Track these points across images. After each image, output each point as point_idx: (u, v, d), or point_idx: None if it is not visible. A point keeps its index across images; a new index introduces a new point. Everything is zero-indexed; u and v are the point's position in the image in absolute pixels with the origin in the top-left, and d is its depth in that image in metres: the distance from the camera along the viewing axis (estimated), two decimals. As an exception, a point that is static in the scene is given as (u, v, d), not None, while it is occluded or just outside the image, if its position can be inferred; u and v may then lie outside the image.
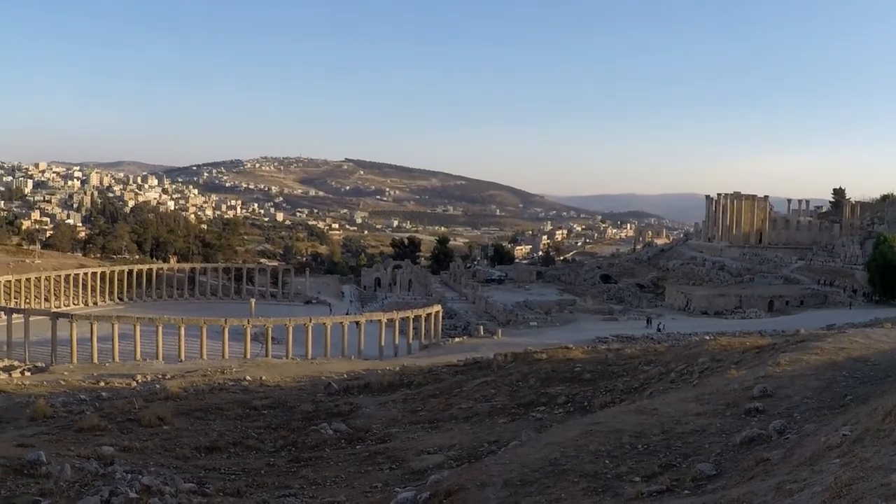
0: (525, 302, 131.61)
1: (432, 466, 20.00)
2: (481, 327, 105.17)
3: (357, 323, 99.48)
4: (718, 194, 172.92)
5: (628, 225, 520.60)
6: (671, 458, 14.24)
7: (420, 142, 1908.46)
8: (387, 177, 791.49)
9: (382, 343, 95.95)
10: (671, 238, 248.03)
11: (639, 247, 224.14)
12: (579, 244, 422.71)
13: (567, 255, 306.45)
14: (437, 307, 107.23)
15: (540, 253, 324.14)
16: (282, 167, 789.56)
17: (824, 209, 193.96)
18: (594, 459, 13.95)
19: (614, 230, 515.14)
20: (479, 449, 21.62)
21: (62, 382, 53.35)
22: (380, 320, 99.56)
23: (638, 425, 16.47)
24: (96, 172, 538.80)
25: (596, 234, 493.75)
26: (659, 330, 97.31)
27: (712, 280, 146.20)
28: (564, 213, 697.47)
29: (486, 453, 20.44)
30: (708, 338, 44.27)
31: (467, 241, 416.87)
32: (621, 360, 33.32)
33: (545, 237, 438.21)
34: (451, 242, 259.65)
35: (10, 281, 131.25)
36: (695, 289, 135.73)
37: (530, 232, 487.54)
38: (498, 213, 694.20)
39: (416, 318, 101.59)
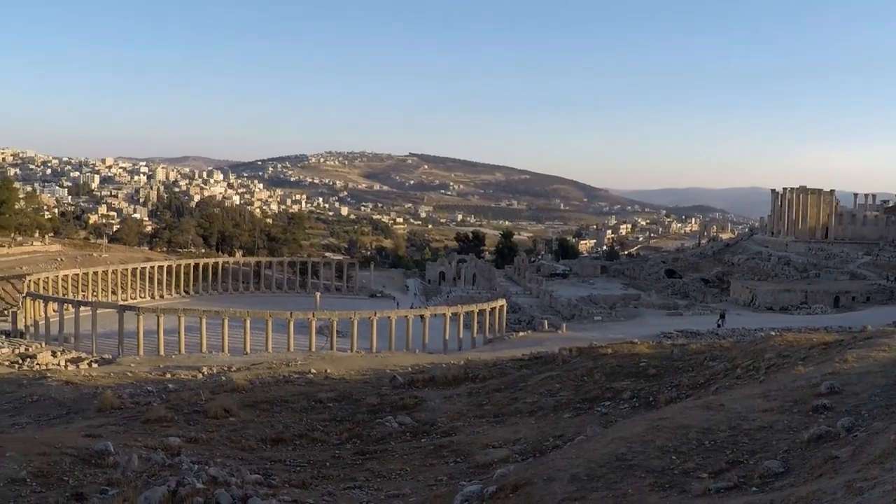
0: (589, 296, 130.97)
1: (497, 460, 20.00)
2: (545, 322, 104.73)
3: (422, 317, 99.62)
4: (784, 188, 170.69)
5: (693, 219, 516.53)
6: (738, 455, 14.17)
7: (484, 136, 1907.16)
8: (451, 171, 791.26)
9: (447, 337, 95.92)
10: (736, 233, 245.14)
11: (703, 241, 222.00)
12: (640, 239, 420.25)
13: (631, 250, 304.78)
14: (502, 301, 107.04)
15: (604, 247, 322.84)
16: (346, 162, 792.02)
17: (891, 203, 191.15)
18: (661, 455, 13.89)
19: (679, 224, 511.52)
20: (544, 443, 21.60)
21: (129, 374, 53.85)
22: (444, 314, 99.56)
23: (704, 421, 16.39)
24: (162, 168, 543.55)
25: (660, 229, 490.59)
26: (719, 325, 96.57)
27: (777, 275, 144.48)
28: (629, 208, 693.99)
29: (551, 448, 20.40)
30: (774, 333, 43.89)
31: (531, 235, 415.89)
32: (686, 356, 33.13)
33: (609, 231, 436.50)
34: (515, 237, 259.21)
35: (77, 274, 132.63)
36: (760, 284, 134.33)
37: (594, 226, 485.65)
38: (562, 207, 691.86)
39: (481, 313, 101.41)
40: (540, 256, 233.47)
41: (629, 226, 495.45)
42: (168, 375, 51.63)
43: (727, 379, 27.08)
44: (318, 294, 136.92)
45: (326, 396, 33.85)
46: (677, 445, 14.51)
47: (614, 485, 12.39)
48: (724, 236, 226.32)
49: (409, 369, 46.05)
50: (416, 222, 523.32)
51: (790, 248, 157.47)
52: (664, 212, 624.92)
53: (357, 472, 20.63)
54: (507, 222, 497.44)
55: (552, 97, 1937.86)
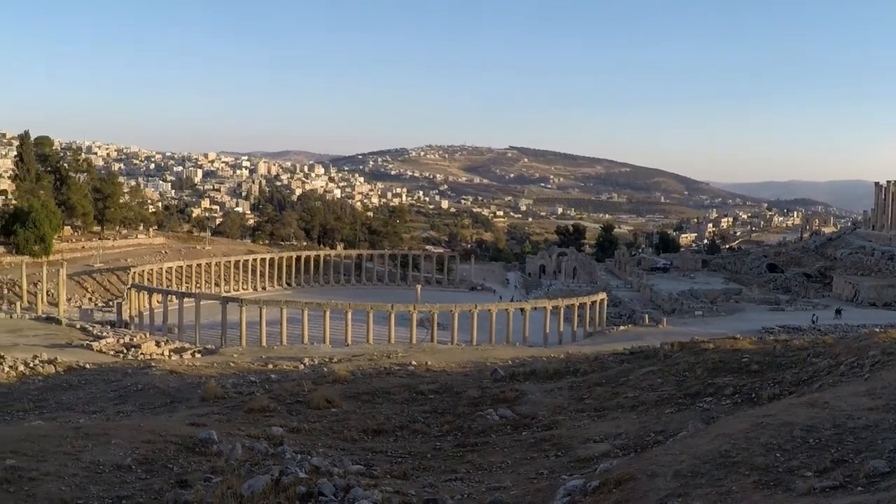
0: (690, 291, 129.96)
1: (598, 455, 19.94)
2: (646, 316, 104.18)
3: (522, 310, 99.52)
4: (888, 181, 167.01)
5: (794, 213, 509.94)
6: (843, 454, 13.98)
7: (584, 129, 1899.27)
8: (551, 164, 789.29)
9: (547, 330, 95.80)
10: (838, 226, 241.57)
11: (805, 235, 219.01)
12: (739, 233, 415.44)
13: (732, 244, 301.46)
14: (602, 295, 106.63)
15: (705, 241, 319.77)
16: (446, 155, 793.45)
17: None
18: (765, 452, 13.75)
19: (780, 218, 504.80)
20: (646, 438, 21.48)
21: (232, 364, 54.48)
22: (545, 307, 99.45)
23: (809, 419, 16.19)
24: (264, 162, 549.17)
25: (762, 222, 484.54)
26: (813, 322, 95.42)
27: (881, 270, 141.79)
28: (730, 201, 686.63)
29: (652, 443, 20.30)
30: (878, 330, 43.23)
31: (632, 228, 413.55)
32: (789, 352, 32.70)
33: (710, 225, 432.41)
34: (615, 230, 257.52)
35: (181, 267, 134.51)
36: (863, 279, 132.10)
37: (695, 219, 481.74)
38: (662, 200, 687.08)
39: (581, 306, 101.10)
40: (640, 250, 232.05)
41: (730, 219, 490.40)
42: (270, 366, 52.13)
43: (831, 376, 26.70)
44: (418, 287, 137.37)
45: (427, 388, 33.98)
46: (781, 443, 14.35)
47: (718, 482, 12.30)
48: (827, 230, 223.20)
49: (510, 362, 46.06)
50: (516, 215, 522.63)
51: (894, 243, 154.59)
52: (765, 205, 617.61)
53: (458, 465, 20.69)
54: (607, 215, 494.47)
55: (653, 89, 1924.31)
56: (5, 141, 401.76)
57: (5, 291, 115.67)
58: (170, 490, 16.00)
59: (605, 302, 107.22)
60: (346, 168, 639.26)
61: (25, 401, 38.34)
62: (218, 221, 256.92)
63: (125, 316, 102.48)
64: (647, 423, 23.89)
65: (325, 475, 16.43)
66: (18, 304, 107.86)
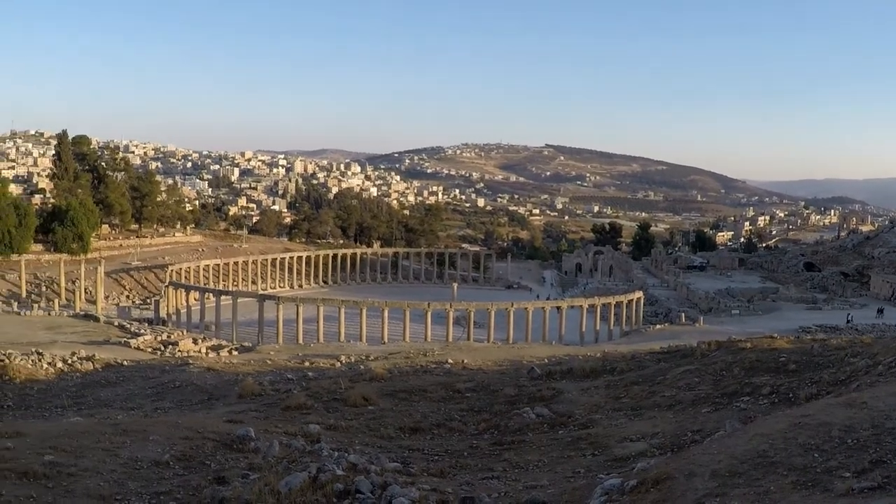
0: (727, 289, 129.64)
1: (635, 454, 19.90)
2: (683, 314, 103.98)
3: (558, 308, 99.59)
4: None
5: (832, 211, 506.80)
6: (882, 455, 13.89)
7: (621, 127, 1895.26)
8: (587, 162, 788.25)
9: (584, 329, 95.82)
10: (876, 225, 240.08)
11: (843, 234, 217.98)
12: (775, 232, 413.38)
13: (769, 242, 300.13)
14: (639, 293, 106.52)
15: (741, 239, 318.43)
16: (482, 153, 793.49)
17: None
18: (803, 453, 13.69)
19: (817, 217, 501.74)
20: (683, 438, 21.43)
21: (268, 362, 54.72)
22: (581, 306, 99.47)
23: (847, 419, 16.11)
24: (300, 160, 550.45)
25: (799, 221, 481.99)
26: (849, 321, 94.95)
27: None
28: (766, 199, 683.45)
29: (689, 442, 20.25)
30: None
31: (668, 226, 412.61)
32: (827, 351, 32.52)
33: (747, 223, 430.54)
34: (651, 228, 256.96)
35: (218, 264, 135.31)
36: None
37: (732, 218, 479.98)
38: (699, 198, 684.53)
39: (618, 305, 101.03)
40: (677, 248, 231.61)
41: (767, 218, 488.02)
42: (307, 364, 52.33)
43: (869, 376, 26.54)
44: (454, 285, 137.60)
45: (464, 387, 34.02)
46: (819, 443, 14.29)
47: (756, 482, 12.26)
48: (864, 228, 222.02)
49: (546, 361, 46.04)
50: (552, 213, 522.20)
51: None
52: (802, 203, 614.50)
53: (494, 463, 20.71)
54: (643, 214, 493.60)
55: (689, 86, 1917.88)
56: (43, 140, 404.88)
57: (44, 289, 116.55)
58: (207, 486, 16.10)
59: (642, 300, 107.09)
60: (382, 166, 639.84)
61: (64, 397, 38.60)
62: (255, 219, 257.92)
63: (163, 313, 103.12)
64: (684, 423, 23.83)
65: (362, 473, 16.48)
66: (57, 301, 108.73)
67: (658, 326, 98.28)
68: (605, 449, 21.34)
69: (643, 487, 13.02)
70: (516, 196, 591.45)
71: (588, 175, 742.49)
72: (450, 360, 47.38)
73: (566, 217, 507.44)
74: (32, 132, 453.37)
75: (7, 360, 45.93)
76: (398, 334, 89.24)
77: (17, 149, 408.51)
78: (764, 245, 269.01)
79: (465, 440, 24.56)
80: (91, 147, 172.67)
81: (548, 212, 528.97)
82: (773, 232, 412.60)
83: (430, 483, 16.77)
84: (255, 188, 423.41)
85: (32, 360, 48.54)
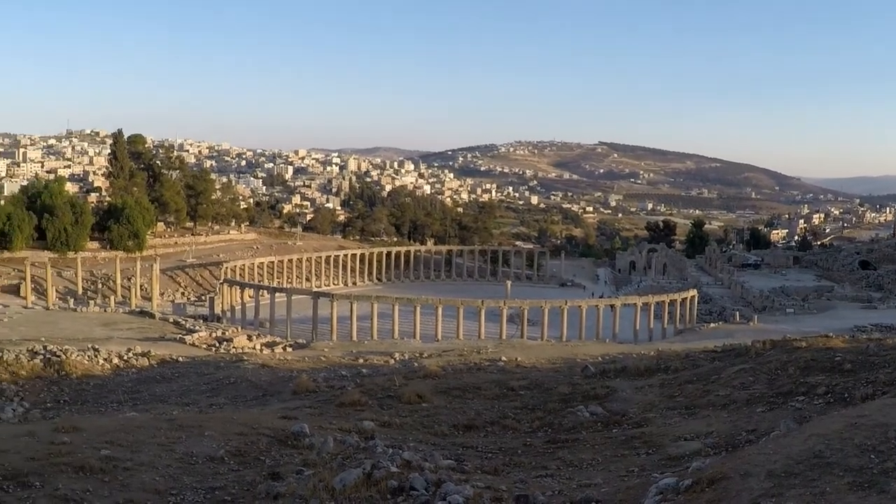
0: (781, 288, 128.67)
1: (689, 453, 19.83)
2: (737, 313, 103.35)
3: (612, 306, 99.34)
4: None
5: (887, 209, 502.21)
6: (940, 456, 13.79)
7: (674, 124, 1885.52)
8: (640, 160, 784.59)
9: (637, 327, 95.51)
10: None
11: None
12: (830, 230, 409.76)
13: (824, 240, 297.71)
14: (693, 292, 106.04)
15: (796, 237, 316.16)
16: (536, 151, 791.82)
17: None
18: (859, 453, 13.56)
19: (873, 214, 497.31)
20: (737, 437, 21.33)
21: (323, 359, 54.94)
22: (635, 304, 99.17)
23: (904, 419, 15.99)
24: (354, 158, 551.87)
25: (854, 218, 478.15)
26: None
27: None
28: (821, 197, 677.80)
29: (744, 442, 20.15)
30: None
31: (722, 224, 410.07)
32: (883, 351, 32.17)
33: (801, 221, 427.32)
34: (705, 226, 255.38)
35: (272, 262, 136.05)
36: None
37: (786, 215, 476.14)
38: (753, 195, 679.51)
39: (672, 303, 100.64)
40: (731, 246, 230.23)
41: (822, 215, 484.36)
42: (361, 361, 52.49)
43: (926, 376, 26.35)
44: (508, 282, 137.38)
45: (518, 384, 34.00)
46: (876, 444, 14.15)
47: (812, 482, 12.18)
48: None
49: (600, 359, 45.93)
50: (605, 211, 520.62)
51: None
52: (857, 200, 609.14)
53: (548, 461, 20.69)
54: (697, 211, 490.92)
55: (743, 84, 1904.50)
56: (99, 139, 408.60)
57: (100, 286, 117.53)
58: (262, 482, 16.22)
59: (696, 299, 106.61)
60: (435, 164, 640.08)
61: (120, 393, 39.00)
62: (309, 217, 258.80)
63: (217, 310, 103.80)
64: (739, 422, 23.71)
65: (416, 469, 16.53)
66: (112, 298, 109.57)
67: (712, 325, 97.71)
68: (660, 448, 21.28)
69: (698, 487, 12.97)
70: (570, 194, 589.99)
71: (642, 172, 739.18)
72: (503, 358, 47.36)
73: (620, 214, 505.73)
74: (88, 131, 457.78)
75: (64, 356, 46.43)
76: (452, 332, 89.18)
77: (73, 148, 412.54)
78: (818, 243, 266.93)
79: (518, 438, 24.56)
80: (146, 146, 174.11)
81: (601, 209, 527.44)
82: (828, 230, 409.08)
83: (484, 481, 16.78)
84: (308, 186, 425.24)
85: (89, 356, 49.01)
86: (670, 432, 23.39)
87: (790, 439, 15.37)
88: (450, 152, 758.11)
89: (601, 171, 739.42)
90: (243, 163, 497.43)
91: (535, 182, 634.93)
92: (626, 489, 15.46)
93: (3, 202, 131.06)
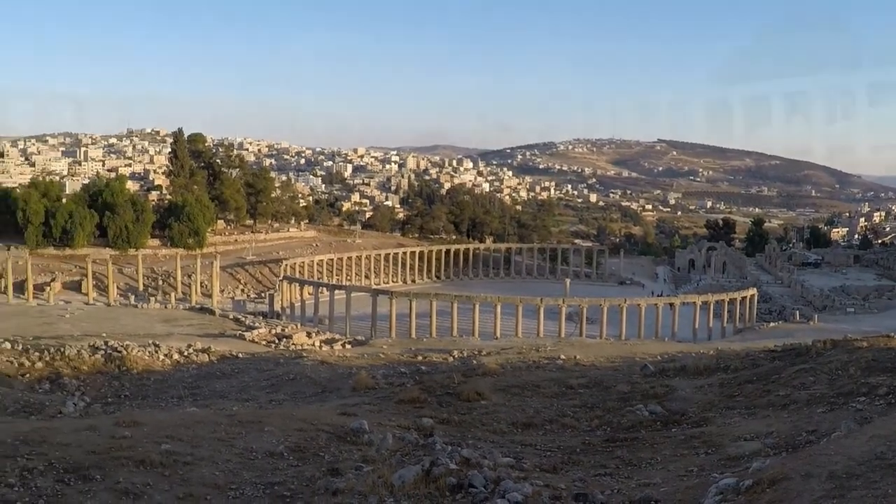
0: (842, 287, 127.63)
1: (749, 453, 19.71)
2: (797, 312, 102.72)
3: (671, 305, 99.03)
4: None
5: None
6: None
7: (734, 122, 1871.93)
8: (699, 157, 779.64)
9: (696, 326, 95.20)
10: None
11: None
12: (889, 228, 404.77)
13: (885, 239, 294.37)
14: (752, 291, 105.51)
15: (856, 236, 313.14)
16: (594, 149, 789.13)
17: None
18: (922, 455, 13.50)
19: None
20: (797, 438, 21.17)
21: (381, 356, 55.10)
22: (694, 303, 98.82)
23: (968, 420, 15.85)
24: (412, 156, 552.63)
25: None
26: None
27: None
28: (882, 195, 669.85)
29: (804, 443, 20.01)
30: None
31: (782, 222, 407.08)
32: (945, 351, 31.95)
33: (862, 219, 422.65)
34: (765, 224, 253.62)
35: (332, 259, 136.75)
36: None
37: (846, 214, 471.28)
38: (813, 193, 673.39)
39: (731, 302, 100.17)
40: (791, 245, 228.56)
41: (882, 213, 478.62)
42: (420, 358, 52.55)
43: None
44: (567, 281, 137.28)
45: (577, 383, 33.95)
46: (940, 446, 14.06)
47: (874, 484, 12.08)
48: None
49: (659, 358, 45.76)
50: (664, 209, 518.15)
51: None
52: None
53: (607, 460, 20.66)
54: (756, 209, 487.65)
55: (804, 80, 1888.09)
56: (159, 138, 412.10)
57: (160, 283, 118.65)
58: (321, 478, 16.31)
59: (756, 298, 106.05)
60: (494, 162, 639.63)
61: (180, 388, 39.32)
62: (368, 215, 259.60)
63: (277, 307, 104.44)
64: (799, 423, 23.54)
65: (475, 467, 16.57)
66: (173, 294, 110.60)
67: (772, 324, 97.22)
68: (719, 448, 21.18)
69: (759, 488, 12.92)
70: (628, 191, 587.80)
71: (700, 170, 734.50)
72: (562, 356, 47.31)
73: (679, 212, 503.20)
74: (148, 130, 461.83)
75: (125, 352, 46.85)
76: (510, 330, 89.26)
77: (134, 147, 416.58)
78: (879, 241, 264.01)
79: (577, 436, 24.53)
80: (206, 144, 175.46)
81: (660, 207, 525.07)
82: (888, 228, 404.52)
83: (543, 479, 16.79)
84: (367, 184, 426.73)
85: (149, 352, 49.44)
86: (730, 432, 23.28)
87: (851, 440, 15.27)
88: (508, 150, 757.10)
89: (660, 168, 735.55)
90: (302, 161, 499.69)
91: (594, 180, 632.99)
92: (685, 489, 15.42)
93: (65, 200, 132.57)
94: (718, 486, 13.85)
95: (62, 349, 45.92)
